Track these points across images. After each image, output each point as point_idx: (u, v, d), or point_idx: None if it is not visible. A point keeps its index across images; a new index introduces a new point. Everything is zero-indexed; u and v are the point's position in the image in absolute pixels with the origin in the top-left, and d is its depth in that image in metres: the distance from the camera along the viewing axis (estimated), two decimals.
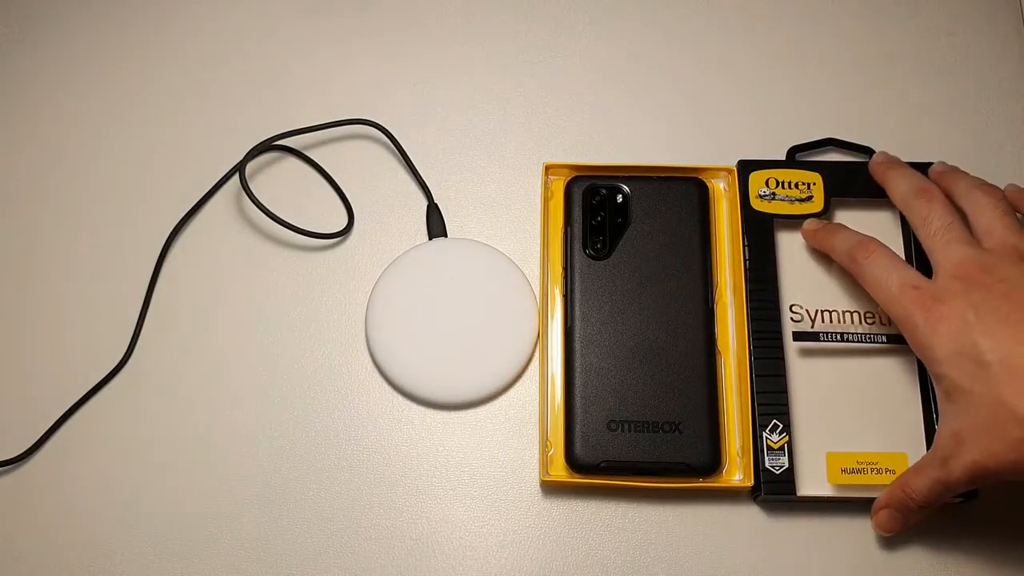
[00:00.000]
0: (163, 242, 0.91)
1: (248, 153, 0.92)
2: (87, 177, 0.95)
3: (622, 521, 0.84)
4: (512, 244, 0.91)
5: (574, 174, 0.91)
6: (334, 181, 0.94)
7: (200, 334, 0.90)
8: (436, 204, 0.93)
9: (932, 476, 0.76)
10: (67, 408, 0.87)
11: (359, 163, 0.95)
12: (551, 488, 0.85)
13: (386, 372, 0.87)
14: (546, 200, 0.91)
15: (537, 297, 0.89)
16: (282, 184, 0.94)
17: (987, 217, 0.80)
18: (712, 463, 0.83)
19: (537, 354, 0.87)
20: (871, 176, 0.90)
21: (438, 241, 0.91)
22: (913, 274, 0.79)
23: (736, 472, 0.84)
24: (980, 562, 0.84)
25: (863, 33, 1.01)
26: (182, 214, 0.92)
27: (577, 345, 0.85)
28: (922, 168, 0.89)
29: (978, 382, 0.72)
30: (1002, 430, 0.71)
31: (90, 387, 0.87)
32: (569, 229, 0.89)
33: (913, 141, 0.94)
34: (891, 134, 0.95)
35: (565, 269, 0.88)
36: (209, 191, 0.93)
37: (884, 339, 0.86)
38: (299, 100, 0.97)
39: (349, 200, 0.93)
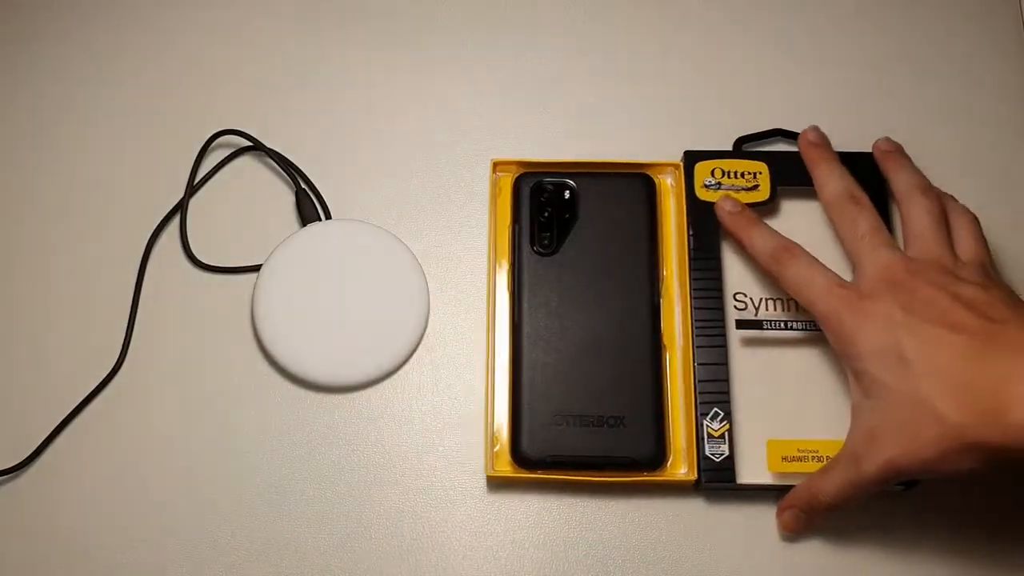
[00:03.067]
0: (144, 245, 0.93)
1: (196, 156, 0.96)
2: (67, 182, 0.96)
3: (568, 515, 0.86)
4: (460, 241, 0.93)
5: (522, 171, 0.92)
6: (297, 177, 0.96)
7: (190, 335, 0.91)
8: (304, 189, 0.94)
9: (842, 477, 0.77)
10: (63, 417, 0.87)
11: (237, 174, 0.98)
12: (497, 483, 0.87)
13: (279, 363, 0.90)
14: (494, 197, 0.92)
15: (419, 261, 0.92)
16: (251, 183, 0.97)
17: (921, 223, 0.82)
18: (656, 457, 0.84)
19: (484, 350, 0.89)
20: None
21: (313, 226, 0.92)
22: (836, 276, 0.80)
23: (681, 466, 0.85)
24: (923, 549, 0.85)
25: (864, 32, 1.01)
26: (162, 215, 0.94)
27: (524, 341, 0.87)
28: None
29: (899, 379, 0.73)
30: (919, 427, 0.71)
31: (85, 395, 0.88)
32: (516, 226, 0.90)
33: (914, 142, 0.94)
34: (890, 134, 0.94)
35: (512, 265, 0.89)
36: (185, 194, 0.95)
37: None
38: (274, 101, 0.99)
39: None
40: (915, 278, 0.77)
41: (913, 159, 0.92)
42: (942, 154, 0.95)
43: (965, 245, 0.82)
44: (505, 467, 0.85)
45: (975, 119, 0.98)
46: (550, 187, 0.91)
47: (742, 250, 0.88)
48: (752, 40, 1.01)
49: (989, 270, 0.80)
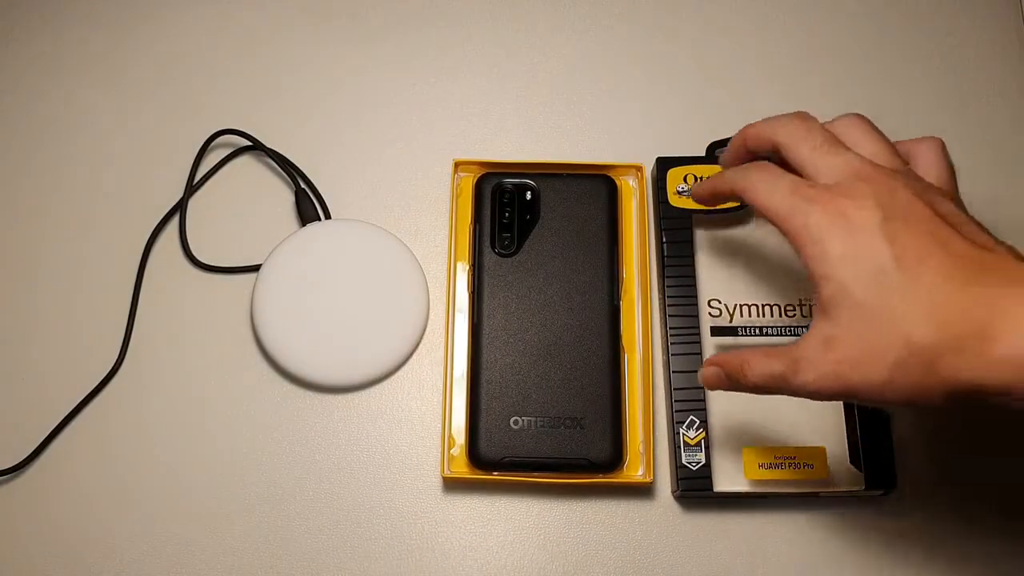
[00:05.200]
0: (143, 245, 0.93)
1: (196, 155, 0.96)
2: (66, 182, 0.97)
3: (525, 517, 0.86)
4: (423, 242, 0.93)
5: (484, 171, 0.92)
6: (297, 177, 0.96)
7: (189, 336, 0.91)
8: (304, 189, 0.94)
9: (776, 369, 0.67)
10: (63, 417, 0.88)
11: (234, 173, 0.98)
12: (453, 484, 0.87)
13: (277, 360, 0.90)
14: (455, 197, 0.92)
15: (419, 262, 0.92)
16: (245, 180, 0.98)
17: (869, 141, 0.70)
18: (613, 459, 0.84)
19: (443, 347, 0.89)
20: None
21: (313, 225, 0.93)
22: (807, 180, 0.68)
23: (639, 468, 0.85)
24: (898, 554, 0.84)
25: (850, 32, 1.00)
26: (162, 215, 0.94)
27: (483, 341, 0.86)
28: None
29: (872, 289, 0.62)
30: (883, 347, 0.62)
31: (85, 395, 0.89)
32: (477, 226, 0.90)
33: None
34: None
35: (473, 266, 0.89)
36: (184, 194, 0.95)
37: (805, 331, 0.84)
38: (274, 101, 0.99)
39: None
40: (892, 179, 0.66)
41: None
42: None
43: (928, 170, 0.71)
44: (461, 468, 0.85)
45: (973, 119, 0.96)
46: (512, 187, 0.90)
47: (719, 198, 0.76)
48: (726, 43, 1.00)
49: (959, 199, 0.70)
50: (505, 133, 0.97)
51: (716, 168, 0.86)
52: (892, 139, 0.71)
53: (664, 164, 0.90)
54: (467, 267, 0.89)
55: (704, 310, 0.87)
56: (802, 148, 0.69)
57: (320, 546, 0.85)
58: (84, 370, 0.90)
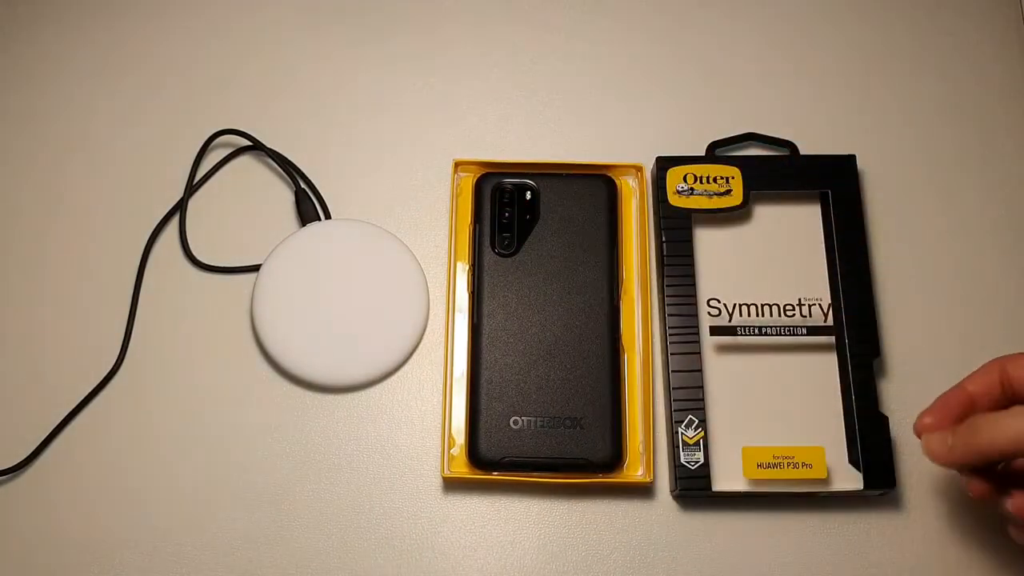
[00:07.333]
0: (143, 245, 0.93)
1: (195, 157, 0.97)
2: (66, 182, 0.97)
3: (525, 517, 0.86)
4: (423, 242, 0.93)
5: (483, 171, 0.92)
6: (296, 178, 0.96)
7: (189, 335, 0.91)
8: (304, 189, 0.94)
9: None
10: (63, 417, 0.88)
11: (234, 174, 0.98)
12: (453, 484, 0.86)
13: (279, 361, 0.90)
14: (455, 197, 0.91)
15: (419, 262, 0.91)
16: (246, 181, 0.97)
17: None
18: (613, 459, 0.84)
19: (443, 347, 0.89)
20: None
21: (313, 225, 0.93)
22: None
23: (638, 468, 0.84)
24: (896, 554, 0.84)
25: (850, 33, 1.00)
26: (162, 215, 0.94)
27: (483, 342, 0.86)
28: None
29: None
30: None
31: (85, 395, 0.89)
32: (477, 226, 0.90)
33: (912, 141, 0.95)
34: (875, 135, 0.94)
35: (472, 266, 0.89)
36: (184, 194, 0.95)
37: (804, 331, 0.85)
38: (274, 101, 0.99)
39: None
40: None
41: (911, 158, 0.93)
42: (941, 153, 0.94)
43: None
44: (461, 468, 0.85)
45: (973, 119, 0.96)
46: (512, 187, 0.90)
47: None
48: (725, 43, 1.00)
49: None
50: (505, 133, 0.96)
51: (716, 168, 0.87)
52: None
53: (664, 164, 0.90)
54: (467, 267, 0.89)
55: (703, 310, 0.87)
56: None
57: (320, 546, 0.85)
58: (84, 370, 0.90)
